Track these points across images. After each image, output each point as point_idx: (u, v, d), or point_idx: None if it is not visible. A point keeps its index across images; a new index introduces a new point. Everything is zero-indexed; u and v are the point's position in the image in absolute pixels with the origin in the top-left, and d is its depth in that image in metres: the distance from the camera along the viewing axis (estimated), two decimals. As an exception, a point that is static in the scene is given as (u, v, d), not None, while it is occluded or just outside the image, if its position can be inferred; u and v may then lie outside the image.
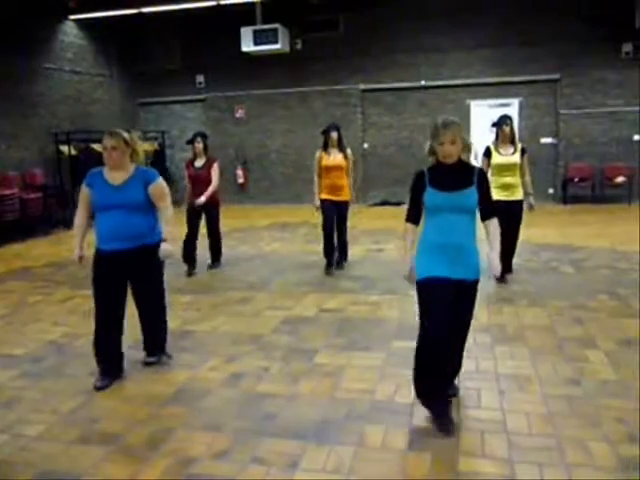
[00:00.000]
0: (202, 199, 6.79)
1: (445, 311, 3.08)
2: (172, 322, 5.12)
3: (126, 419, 3.35)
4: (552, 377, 3.73)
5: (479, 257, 3.19)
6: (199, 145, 7.05)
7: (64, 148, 11.31)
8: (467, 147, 3.21)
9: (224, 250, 7.61)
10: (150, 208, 3.98)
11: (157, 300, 4.24)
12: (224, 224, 10.70)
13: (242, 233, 9.71)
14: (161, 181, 4.06)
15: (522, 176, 6.18)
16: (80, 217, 4.06)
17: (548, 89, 12.48)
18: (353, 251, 8.00)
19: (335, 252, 6.95)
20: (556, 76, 12.27)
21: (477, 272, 3.19)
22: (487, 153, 6.19)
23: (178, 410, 3.45)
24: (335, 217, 6.89)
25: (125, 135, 3.91)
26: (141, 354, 4.25)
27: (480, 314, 5.07)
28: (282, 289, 6.19)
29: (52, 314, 5.55)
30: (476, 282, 3.21)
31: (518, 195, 6.13)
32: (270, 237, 9.38)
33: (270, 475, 2.75)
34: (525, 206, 6.23)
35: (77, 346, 4.61)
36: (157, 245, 3.91)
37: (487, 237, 3.26)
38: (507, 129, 6.13)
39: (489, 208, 3.23)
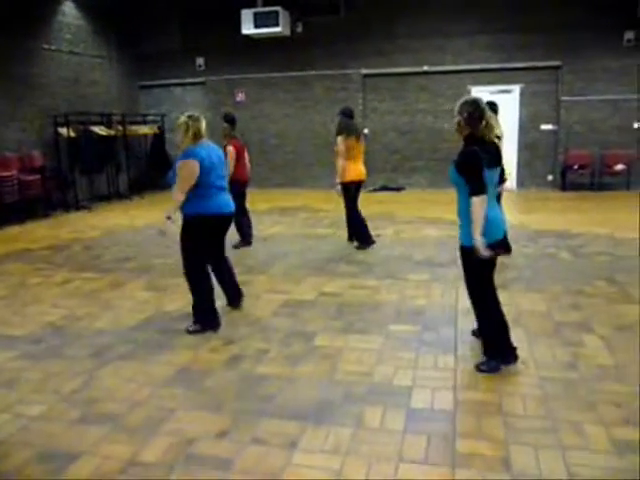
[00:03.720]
0: None
1: None
2: (171, 304, 5.17)
3: (126, 399, 3.38)
4: (549, 361, 3.77)
5: (467, 227, 3.50)
6: None
7: (62, 130, 11.25)
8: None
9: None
10: None
11: (185, 272, 4.55)
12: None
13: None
14: (180, 161, 4.36)
15: None
16: None
17: (549, 76, 12.42)
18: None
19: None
20: (558, 63, 12.21)
21: (462, 240, 3.60)
22: None
23: (178, 391, 3.48)
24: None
25: (180, 119, 4.41)
26: (140, 332, 4.27)
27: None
28: (282, 273, 6.21)
29: (52, 296, 5.57)
30: (461, 248, 3.64)
31: None
32: (270, 221, 9.38)
33: (269, 455, 2.78)
34: None
35: (77, 328, 4.64)
36: (184, 218, 4.44)
37: None
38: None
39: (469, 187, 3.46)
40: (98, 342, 4.30)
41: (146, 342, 4.28)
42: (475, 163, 3.42)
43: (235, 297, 5.00)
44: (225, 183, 4.62)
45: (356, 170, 7.01)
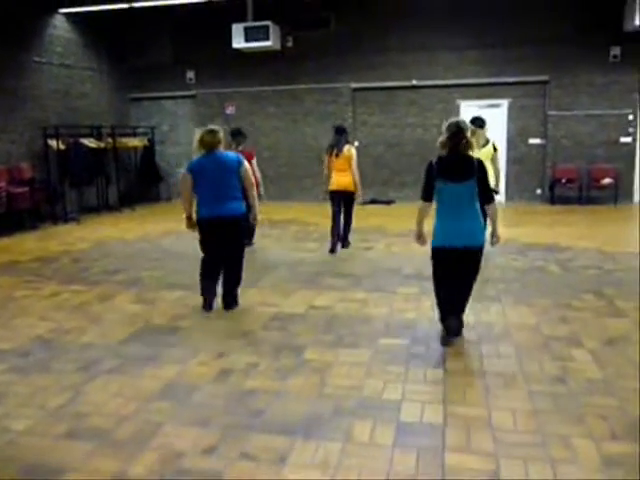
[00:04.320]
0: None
1: None
2: (160, 318, 5.14)
3: (114, 414, 3.35)
4: (538, 375, 3.78)
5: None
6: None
7: (52, 142, 11.22)
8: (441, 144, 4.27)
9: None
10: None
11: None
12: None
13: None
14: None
15: None
16: None
17: (537, 91, 12.57)
18: (342, 249, 8.04)
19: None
20: (545, 78, 12.37)
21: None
22: None
23: (166, 405, 3.45)
24: None
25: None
26: (128, 346, 4.25)
27: (467, 312, 5.13)
28: (272, 285, 6.20)
29: (40, 309, 5.52)
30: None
31: None
32: (260, 234, 9.35)
33: (258, 470, 2.76)
34: None
35: (65, 341, 4.60)
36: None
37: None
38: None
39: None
40: (86, 356, 4.27)
41: (134, 356, 4.25)
42: (426, 173, 4.27)
43: (225, 302, 5.40)
44: (224, 190, 5.07)
45: (334, 181, 7.78)
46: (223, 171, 5.04)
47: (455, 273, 4.27)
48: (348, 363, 4.03)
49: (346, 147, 7.72)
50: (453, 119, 4.24)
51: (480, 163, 4.20)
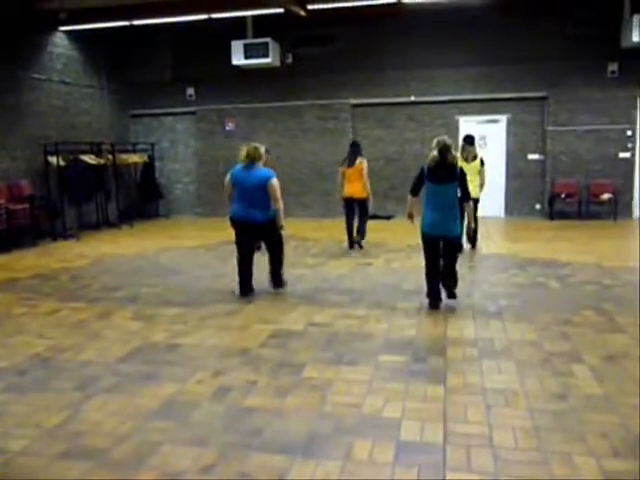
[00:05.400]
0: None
1: None
2: (158, 335, 5.12)
3: (111, 433, 3.32)
4: (538, 392, 3.75)
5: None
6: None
7: (52, 159, 11.26)
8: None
9: (214, 261, 7.58)
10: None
11: None
12: (215, 237, 10.72)
13: (231, 245, 9.67)
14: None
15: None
16: None
17: (536, 106, 12.64)
18: (342, 265, 8.04)
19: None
20: (543, 94, 12.44)
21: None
22: None
23: (164, 424, 3.42)
24: None
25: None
26: (126, 364, 4.21)
27: (467, 328, 5.12)
28: (270, 302, 6.18)
29: (37, 327, 5.50)
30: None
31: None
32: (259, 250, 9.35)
33: (256, 490, 2.73)
34: None
35: (62, 360, 4.57)
36: None
37: None
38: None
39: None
40: (84, 374, 4.24)
41: (132, 374, 4.22)
42: (418, 174, 5.64)
43: (272, 282, 6.57)
44: (250, 199, 6.11)
45: (346, 190, 9.10)
46: (255, 184, 6.09)
47: (439, 251, 5.69)
48: (348, 381, 4.00)
49: (358, 160, 8.98)
50: (441, 138, 5.47)
51: (461, 170, 5.61)
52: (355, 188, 8.96)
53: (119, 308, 6.06)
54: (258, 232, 6.33)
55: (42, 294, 6.77)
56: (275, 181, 6.13)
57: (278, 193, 6.13)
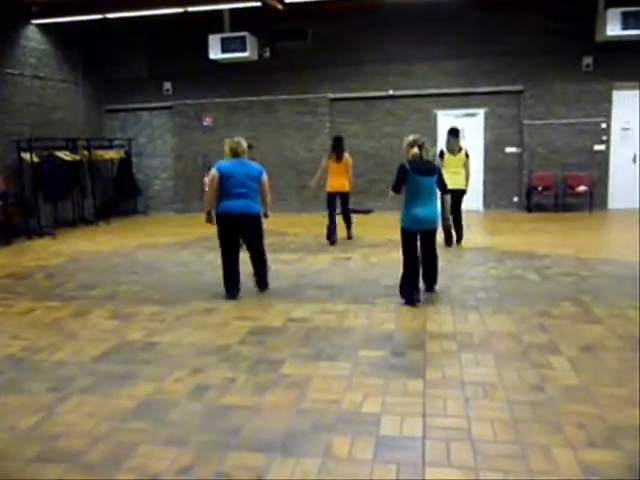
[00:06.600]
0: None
1: None
2: (135, 333, 5.05)
3: (87, 435, 3.26)
4: (516, 383, 3.77)
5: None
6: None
7: (26, 155, 11.05)
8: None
9: (191, 258, 7.50)
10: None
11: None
12: (193, 232, 10.63)
13: (208, 242, 9.61)
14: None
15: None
16: None
17: (512, 100, 12.73)
18: (321, 260, 8.02)
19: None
20: (520, 88, 12.53)
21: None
22: (441, 154, 8.85)
23: (141, 424, 3.37)
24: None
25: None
26: (102, 363, 4.14)
27: (446, 321, 5.13)
28: (249, 299, 6.14)
29: (12, 326, 5.40)
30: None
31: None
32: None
33: (235, 489, 2.70)
34: None
35: (36, 360, 4.48)
36: None
37: None
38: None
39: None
40: (59, 375, 4.16)
41: (108, 374, 4.16)
42: (399, 172, 5.70)
43: (258, 283, 6.43)
44: (245, 190, 5.99)
45: (333, 184, 9.23)
46: (249, 174, 6.08)
47: (417, 245, 5.86)
48: (327, 376, 3.98)
49: (345, 154, 9.20)
50: (416, 136, 5.83)
51: (438, 165, 6.20)
52: (342, 182, 9.19)
53: (95, 307, 5.98)
54: (247, 227, 6.12)
55: (16, 293, 6.65)
56: (266, 176, 6.33)
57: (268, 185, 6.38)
